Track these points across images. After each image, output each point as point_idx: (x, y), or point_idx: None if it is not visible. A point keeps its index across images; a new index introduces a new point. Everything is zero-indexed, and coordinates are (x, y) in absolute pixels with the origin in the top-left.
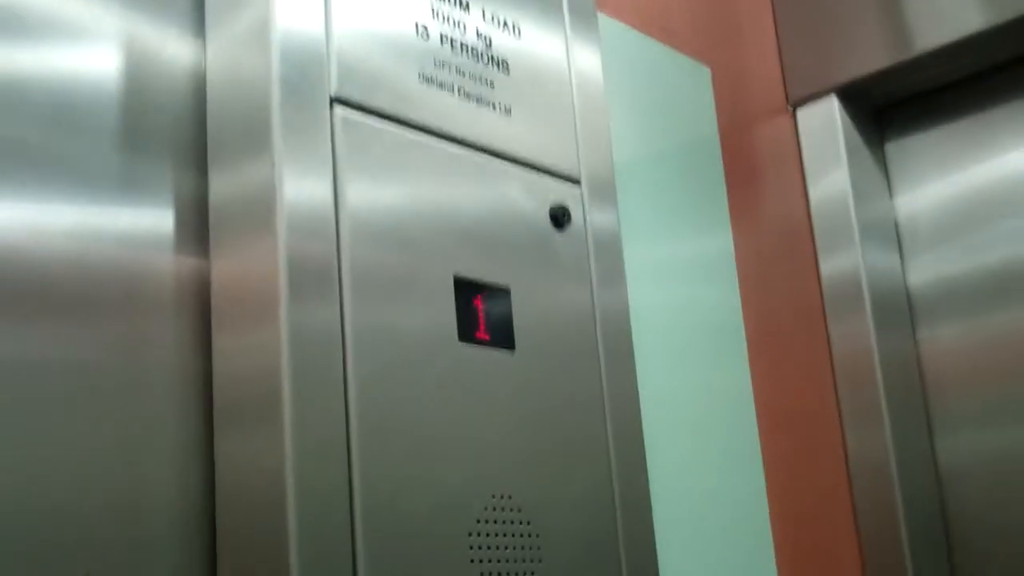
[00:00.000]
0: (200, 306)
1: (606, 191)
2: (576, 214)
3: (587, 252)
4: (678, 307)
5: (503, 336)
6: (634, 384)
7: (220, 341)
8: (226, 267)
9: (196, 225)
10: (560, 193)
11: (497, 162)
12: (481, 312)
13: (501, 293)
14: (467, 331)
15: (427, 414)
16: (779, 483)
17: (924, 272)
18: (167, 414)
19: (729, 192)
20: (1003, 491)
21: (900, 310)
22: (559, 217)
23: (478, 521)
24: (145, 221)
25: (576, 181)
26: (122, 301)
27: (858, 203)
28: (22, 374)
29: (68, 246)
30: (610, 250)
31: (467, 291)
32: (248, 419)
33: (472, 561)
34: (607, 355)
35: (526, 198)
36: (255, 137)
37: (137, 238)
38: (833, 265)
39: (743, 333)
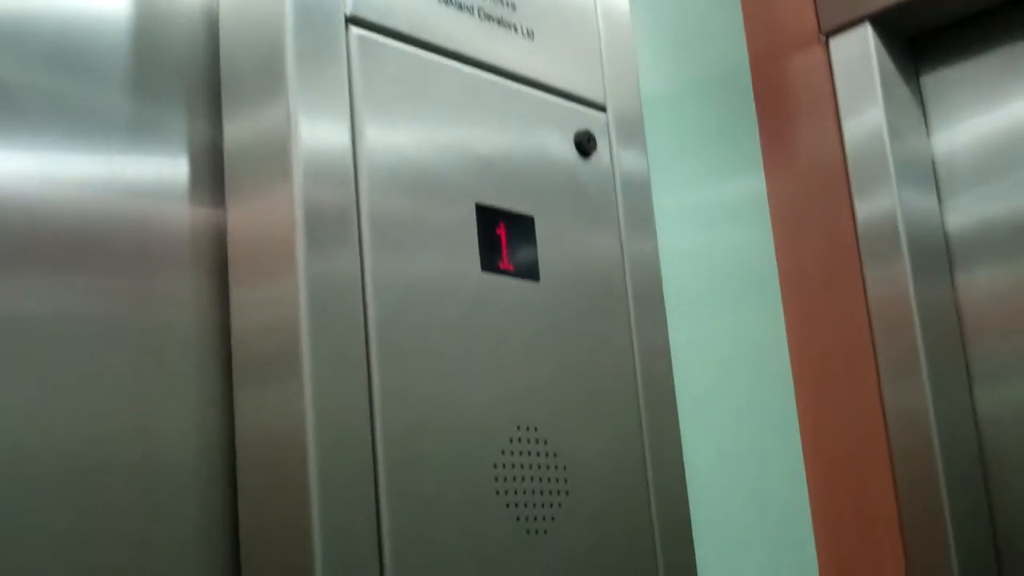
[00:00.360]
0: (217, 258)
1: (633, 119)
2: (602, 142)
3: (614, 183)
4: (708, 250)
5: (527, 266)
6: (664, 326)
7: (238, 294)
8: (242, 216)
9: (211, 173)
10: (585, 119)
11: (519, 87)
12: (504, 241)
13: (525, 222)
14: (490, 261)
15: (450, 347)
16: (814, 431)
17: (963, 214)
18: (185, 370)
19: (761, 128)
20: None
21: (938, 254)
22: (584, 143)
23: (503, 452)
24: (158, 169)
25: (602, 107)
26: (135, 253)
27: (894, 141)
28: (31, 330)
29: (77, 196)
30: (638, 180)
31: (489, 219)
32: (267, 373)
33: (497, 493)
34: (636, 293)
35: (550, 124)
36: (269, 71)
37: (150, 187)
38: (869, 207)
39: (776, 278)
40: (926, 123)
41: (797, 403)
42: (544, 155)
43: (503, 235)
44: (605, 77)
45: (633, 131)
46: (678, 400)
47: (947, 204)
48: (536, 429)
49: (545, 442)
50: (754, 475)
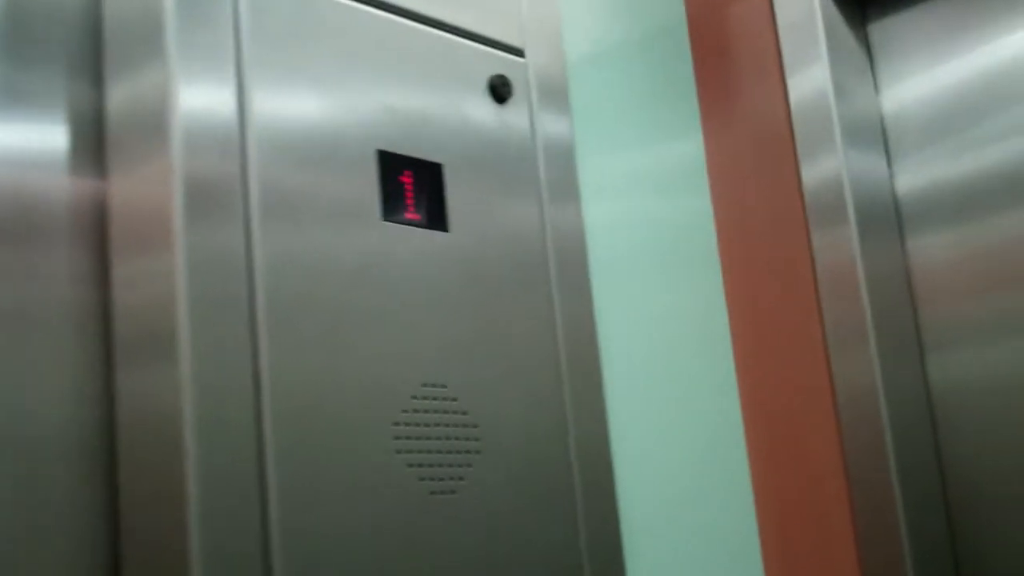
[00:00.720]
0: (99, 232)
1: (555, 69)
2: (520, 92)
3: (533, 139)
4: (642, 217)
5: (435, 215)
6: (588, 293)
7: (119, 270)
8: (124, 188)
9: (94, 141)
10: (501, 64)
11: (426, 28)
12: (409, 189)
13: (432, 169)
14: (392, 210)
15: (347, 304)
16: (757, 408)
17: (913, 175)
18: (64, 349)
19: (699, 87)
20: (999, 411)
21: (887, 218)
22: (499, 88)
23: (404, 411)
24: (34, 137)
25: (519, 52)
26: (11, 226)
27: (840, 99)
28: None
29: None
30: (561, 138)
31: (392, 166)
32: (147, 352)
33: (399, 452)
34: (558, 255)
35: (461, 68)
36: (149, 26)
37: (26, 156)
38: (815, 170)
39: (716, 248)
40: (874, 78)
41: (738, 378)
42: (454, 101)
43: (408, 183)
44: (523, 19)
45: (555, 83)
46: (610, 374)
47: (897, 165)
48: (444, 386)
49: (454, 400)
50: (691, 455)
